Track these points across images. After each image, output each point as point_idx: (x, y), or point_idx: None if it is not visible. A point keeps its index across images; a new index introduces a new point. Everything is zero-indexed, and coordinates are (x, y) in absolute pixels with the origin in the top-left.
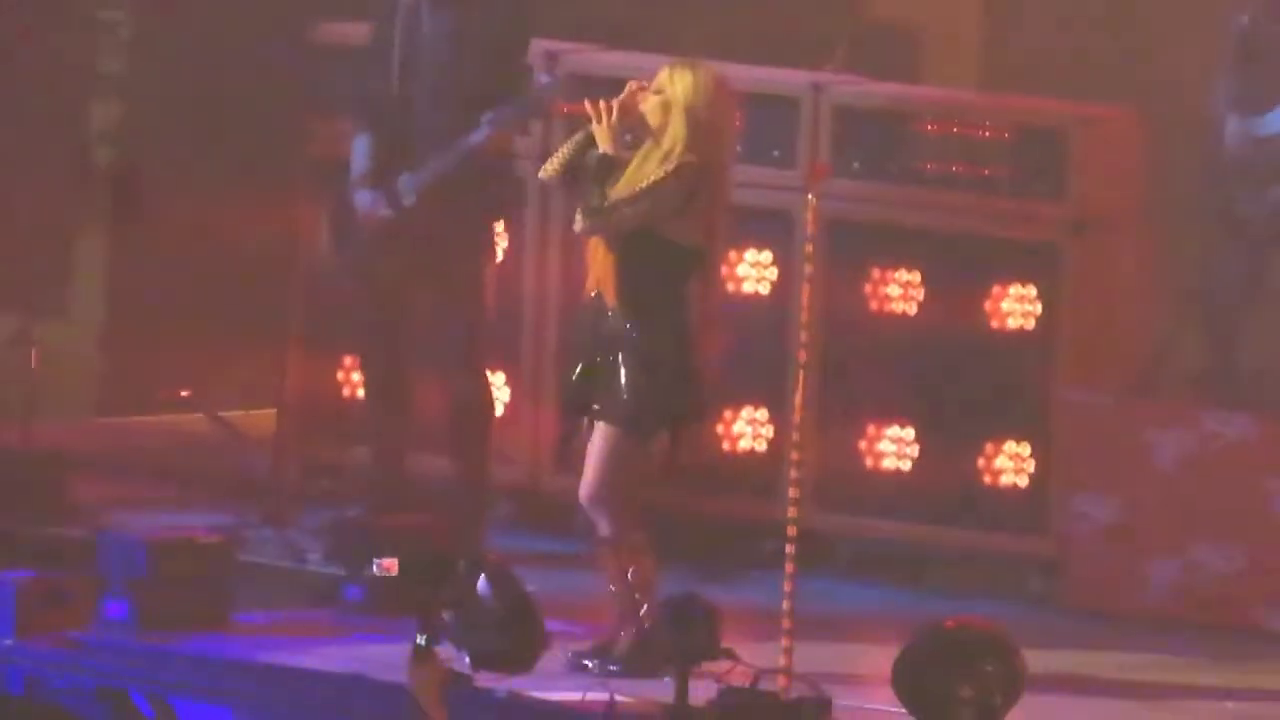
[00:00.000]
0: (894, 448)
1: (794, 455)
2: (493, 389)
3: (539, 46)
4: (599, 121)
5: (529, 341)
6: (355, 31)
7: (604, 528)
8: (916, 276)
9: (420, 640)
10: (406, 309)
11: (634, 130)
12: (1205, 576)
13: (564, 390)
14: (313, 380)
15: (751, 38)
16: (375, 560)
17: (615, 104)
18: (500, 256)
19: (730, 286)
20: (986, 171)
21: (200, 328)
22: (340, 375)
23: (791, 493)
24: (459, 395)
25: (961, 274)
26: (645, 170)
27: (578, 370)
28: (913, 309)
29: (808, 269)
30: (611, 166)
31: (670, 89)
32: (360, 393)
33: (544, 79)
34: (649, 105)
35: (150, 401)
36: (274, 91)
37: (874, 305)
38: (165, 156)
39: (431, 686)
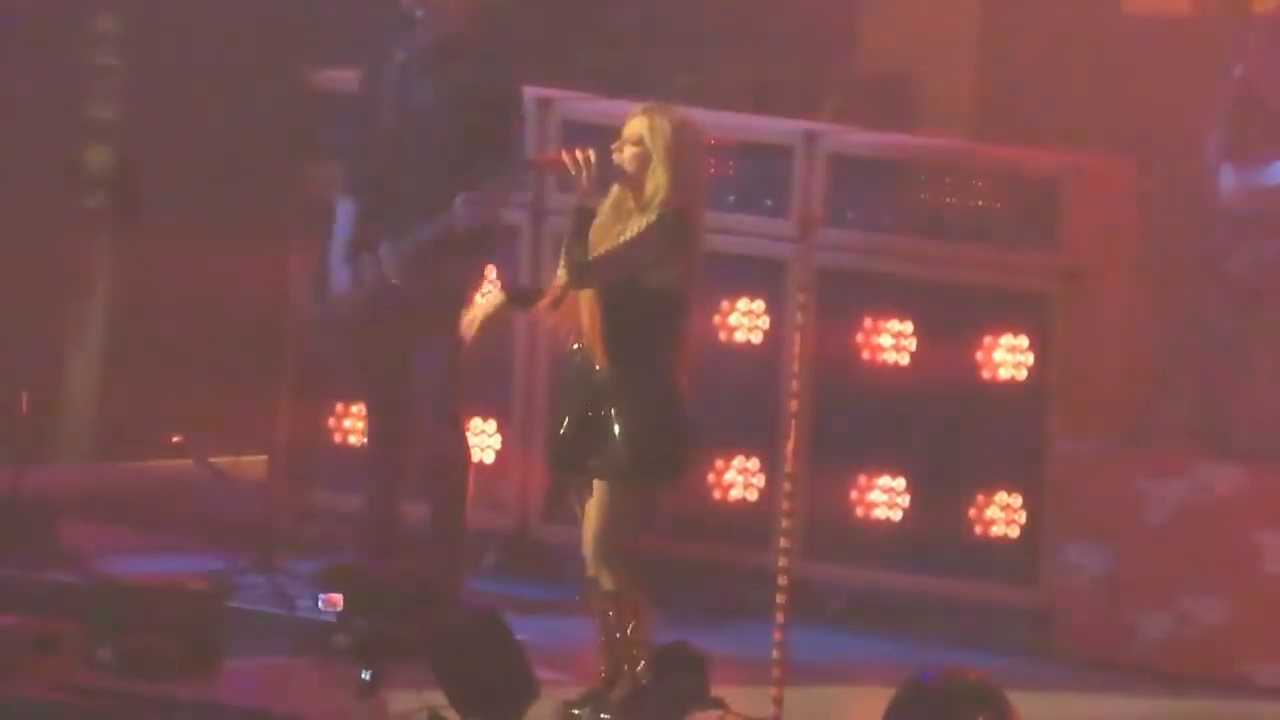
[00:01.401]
0: (885, 497)
1: (785, 504)
2: (469, 442)
3: (532, 94)
4: (576, 173)
5: (520, 389)
6: (349, 78)
7: (608, 583)
8: (909, 326)
9: (365, 676)
10: (405, 358)
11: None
12: (1194, 629)
13: (552, 445)
14: (304, 426)
15: (745, 86)
16: (320, 595)
17: (592, 155)
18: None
19: (722, 335)
20: (979, 221)
21: (191, 374)
22: (332, 421)
23: (782, 542)
24: (434, 447)
25: (954, 324)
26: (621, 220)
27: (564, 425)
28: (905, 359)
29: (799, 318)
30: (591, 219)
31: (649, 138)
32: (352, 439)
33: (528, 157)
34: (626, 155)
35: (141, 447)
36: (267, 138)
37: (866, 355)
38: (157, 203)
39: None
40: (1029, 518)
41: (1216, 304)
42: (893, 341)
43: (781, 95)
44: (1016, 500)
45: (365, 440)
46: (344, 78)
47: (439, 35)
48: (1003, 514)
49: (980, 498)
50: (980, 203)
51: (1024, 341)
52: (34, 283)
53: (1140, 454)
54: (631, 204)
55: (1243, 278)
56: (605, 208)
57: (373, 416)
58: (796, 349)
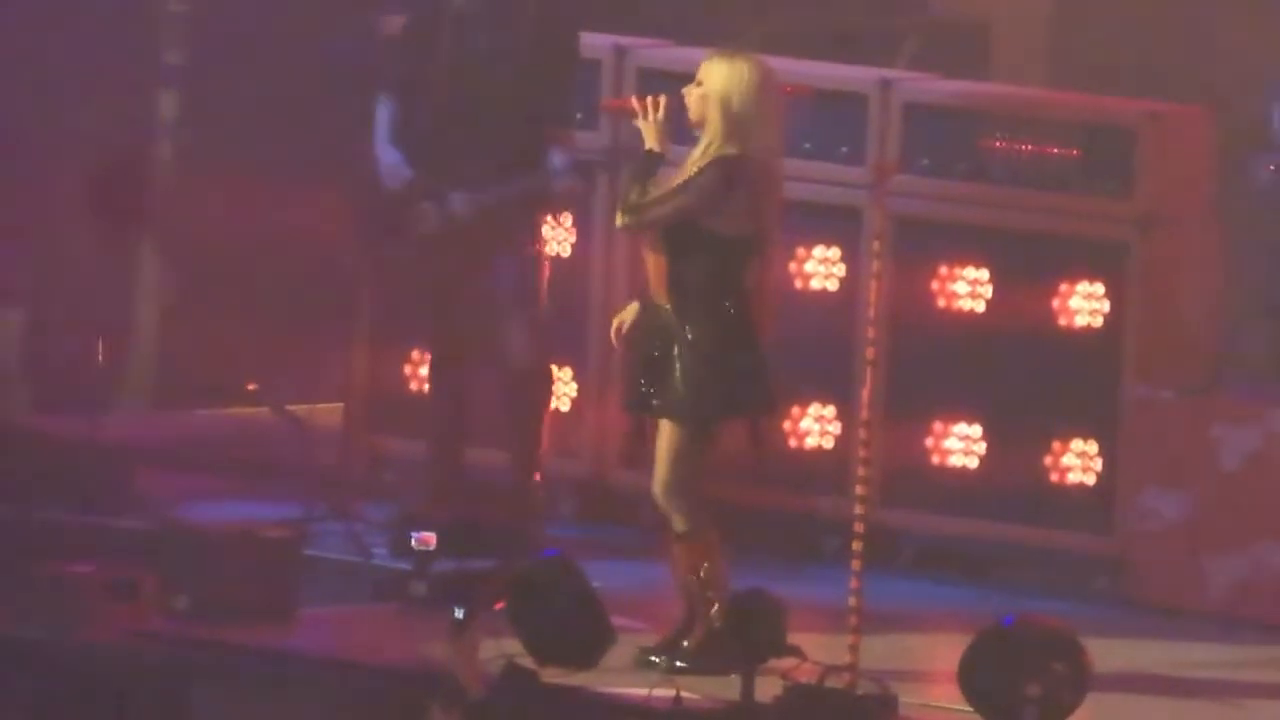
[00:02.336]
0: (961, 445)
1: (861, 452)
2: (553, 373)
3: (607, 41)
4: (644, 118)
5: (595, 337)
6: None
7: (678, 523)
8: (984, 274)
9: (458, 614)
10: (460, 301)
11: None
12: (1269, 575)
13: (626, 388)
14: (379, 373)
15: (821, 34)
16: (414, 534)
17: (661, 100)
18: (568, 251)
19: (798, 283)
20: (1055, 169)
21: (267, 321)
22: (407, 369)
23: (858, 489)
24: (512, 369)
25: (1029, 271)
26: (687, 164)
27: (637, 368)
28: (980, 306)
29: (875, 266)
30: (657, 164)
31: (707, 81)
32: (428, 387)
33: (623, 133)
34: (692, 99)
35: (217, 395)
36: (339, 83)
37: (941, 302)
38: (230, 147)
39: (468, 661)
40: (1104, 465)
41: None
42: (969, 289)
43: (857, 43)
44: (1092, 447)
45: (428, 388)
46: None
47: None
48: (1078, 461)
49: (1056, 445)
50: (1056, 150)
51: (1100, 289)
52: (110, 229)
53: (1215, 400)
54: (698, 150)
55: None
56: (691, 154)
57: (434, 362)
58: (872, 296)
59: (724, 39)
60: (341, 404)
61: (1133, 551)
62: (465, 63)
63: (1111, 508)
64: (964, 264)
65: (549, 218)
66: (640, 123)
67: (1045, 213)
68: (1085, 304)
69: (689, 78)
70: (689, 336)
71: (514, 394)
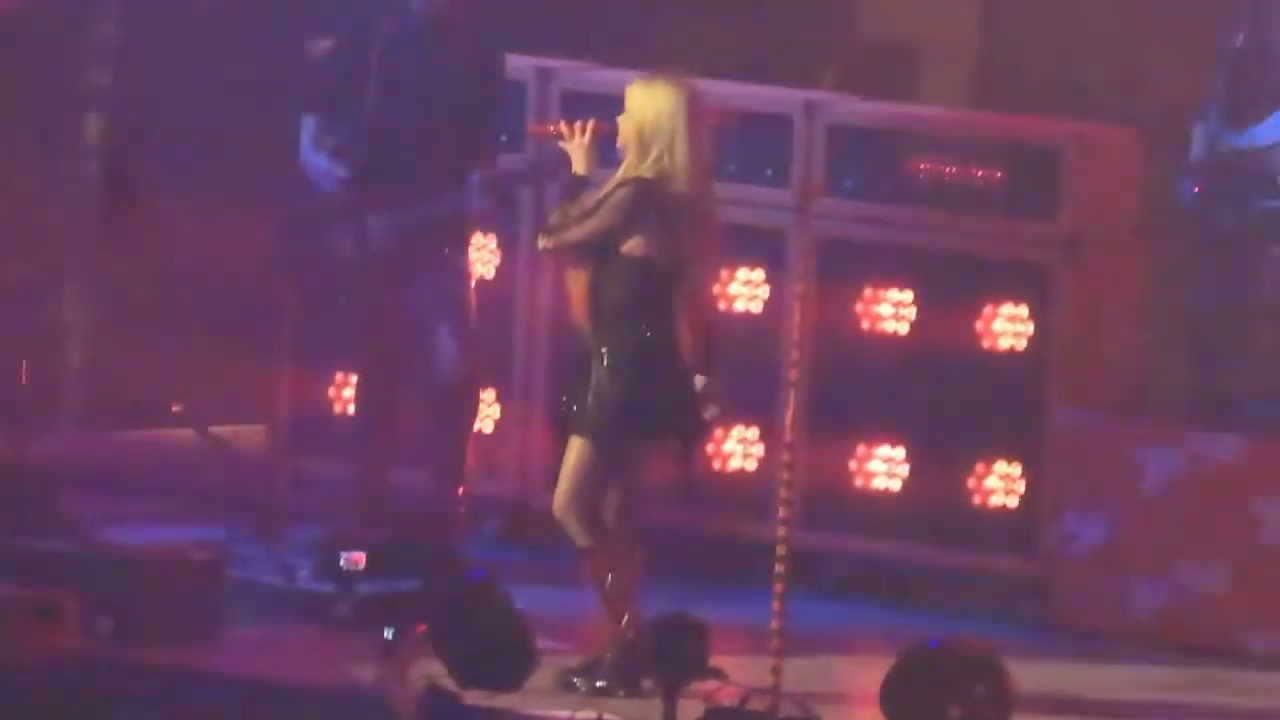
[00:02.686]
0: (884, 467)
1: (784, 474)
2: (479, 391)
3: (532, 64)
4: (570, 140)
5: (520, 359)
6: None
7: (577, 539)
8: (908, 296)
9: (388, 634)
10: (386, 321)
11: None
12: (1191, 598)
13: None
14: (304, 395)
15: (746, 56)
16: (343, 554)
17: (590, 124)
18: (492, 273)
19: (722, 304)
20: (980, 191)
21: (191, 342)
22: (331, 390)
23: (781, 512)
24: (438, 386)
25: (954, 293)
26: (605, 187)
27: (565, 388)
28: (904, 328)
29: (800, 288)
30: (582, 187)
31: (628, 106)
32: (352, 409)
33: (546, 151)
34: (620, 122)
35: (140, 416)
36: (265, 104)
37: (865, 324)
38: (154, 168)
39: (399, 681)
40: (1027, 487)
41: (1209, 267)
42: (892, 311)
43: (782, 64)
44: (1015, 470)
45: (355, 408)
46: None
47: (430, 12)
48: (1001, 483)
49: (979, 467)
50: (980, 172)
51: (1024, 311)
52: (34, 251)
53: (1138, 423)
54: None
55: (1232, 238)
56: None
57: (364, 382)
58: (796, 318)
59: (651, 62)
60: (265, 425)
61: (1056, 574)
62: (392, 87)
63: (1034, 530)
64: (888, 286)
65: (472, 238)
66: (568, 146)
67: (970, 235)
68: (1009, 326)
69: (614, 100)
70: (604, 358)
71: (439, 411)
